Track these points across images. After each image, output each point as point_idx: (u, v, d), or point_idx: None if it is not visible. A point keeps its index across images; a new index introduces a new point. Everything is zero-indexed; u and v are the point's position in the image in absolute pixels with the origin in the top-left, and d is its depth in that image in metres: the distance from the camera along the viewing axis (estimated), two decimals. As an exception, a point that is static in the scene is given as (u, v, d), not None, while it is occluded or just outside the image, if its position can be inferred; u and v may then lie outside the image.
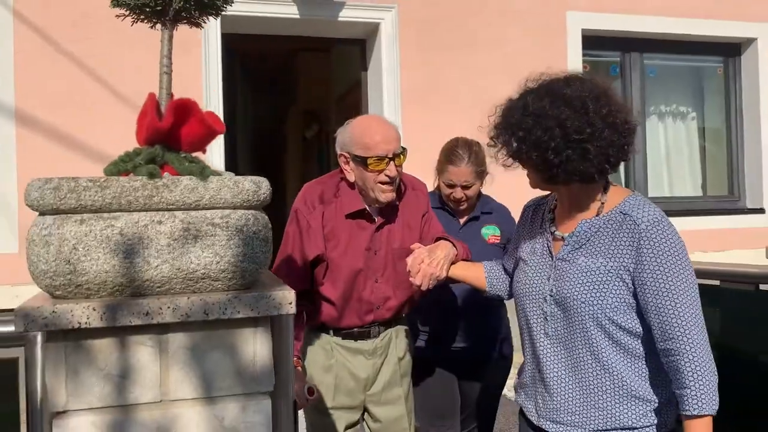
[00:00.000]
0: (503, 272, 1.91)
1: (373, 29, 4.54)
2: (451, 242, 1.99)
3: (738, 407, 2.08)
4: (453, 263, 1.92)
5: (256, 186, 1.13)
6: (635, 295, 1.46)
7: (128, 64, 3.98)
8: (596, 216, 1.53)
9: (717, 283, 2.01)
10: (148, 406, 1.10)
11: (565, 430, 1.54)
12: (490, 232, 2.41)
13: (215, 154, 4.08)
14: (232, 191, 1.11)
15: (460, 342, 2.38)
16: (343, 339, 2.12)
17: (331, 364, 2.12)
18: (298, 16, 4.32)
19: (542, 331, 1.59)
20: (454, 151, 2.35)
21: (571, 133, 1.46)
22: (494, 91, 4.51)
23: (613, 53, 5.10)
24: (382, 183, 1.99)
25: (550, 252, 1.59)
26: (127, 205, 1.07)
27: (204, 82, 4.20)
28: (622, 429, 1.48)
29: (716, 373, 1.40)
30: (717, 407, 1.38)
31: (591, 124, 1.46)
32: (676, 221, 5.23)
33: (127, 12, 1.22)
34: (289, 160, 7.94)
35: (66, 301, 1.06)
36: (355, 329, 2.12)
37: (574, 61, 4.73)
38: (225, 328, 1.12)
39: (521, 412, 1.70)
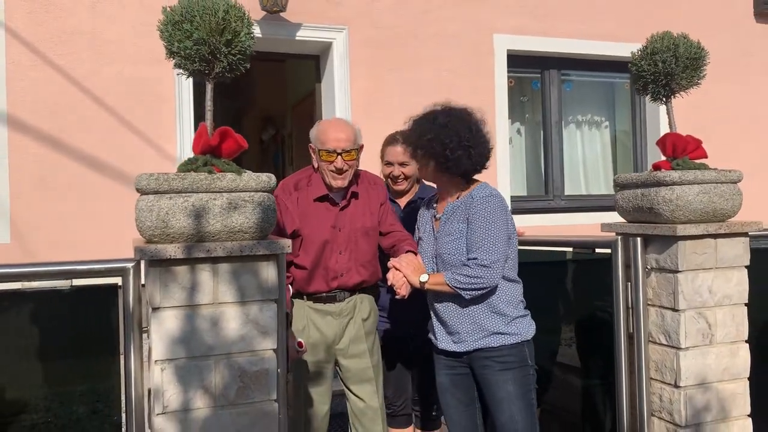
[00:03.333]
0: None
1: (326, 47, 5.44)
2: (413, 251, 2.59)
3: (580, 342, 3.10)
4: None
5: (269, 179, 2.04)
6: None
7: (109, 75, 4.75)
8: (457, 200, 2.49)
9: (570, 249, 3.05)
10: (206, 306, 1.98)
11: (458, 347, 2.46)
12: None
13: (186, 150, 4.83)
14: (255, 181, 2.01)
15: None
16: (314, 303, 2.68)
17: (305, 324, 2.66)
18: (260, 35, 5.17)
19: None
20: (394, 136, 3.09)
21: (463, 140, 2.43)
22: (430, 102, 5.71)
23: (534, 70, 6.16)
24: (332, 171, 2.61)
25: (433, 229, 2.56)
26: (196, 189, 1.95)
27: (176, 89, 4.98)
28: (490, 336, 2.41)
29: (474, 283, 2.32)
30: (452, 286, 2.34)
31: (474, 138, 2.44)
32: (591, 216, 6.43)
33: (185, 72, 2.09)
34: (246, 158, 8.79)
35: (161, 244, 1.94)
36: (324, 293, 2.67)
37: (500, 78, 5.77)
38: (251, 261, 2.01)
39: (431, 343, 2.60)
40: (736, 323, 2.70)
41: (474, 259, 2.34)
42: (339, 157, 2.61)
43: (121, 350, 2.08)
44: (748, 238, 2.71)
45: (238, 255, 1.98)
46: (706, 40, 7.04)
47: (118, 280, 2.08)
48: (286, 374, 2.18)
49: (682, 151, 2.70)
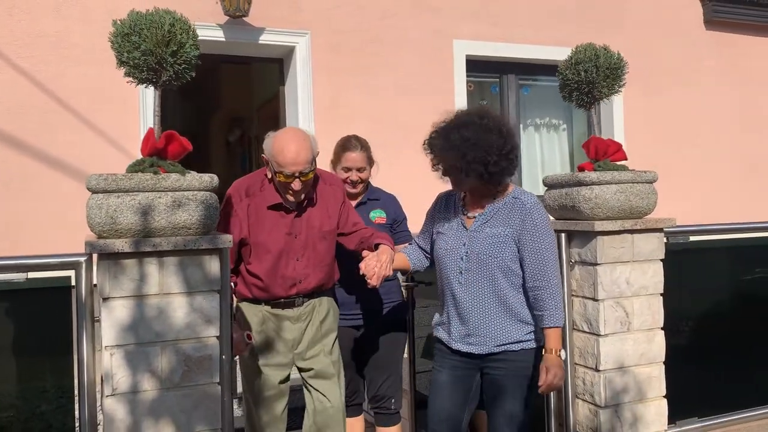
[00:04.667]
0: (419, 250, 2.68)
1: (290, 51, 5.63)
2: (388, 245, 2.55)
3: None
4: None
5: (211, 179, 2.23)
6: (519, 250, 2.38)
7: (74, 78, 4.89)
8: (496, 202, 2.44)
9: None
10: (154, 296, 2.17)
11: (476, 348, 2.43)
12: (377, 215, 3.21)
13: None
14: (198, 181, 2.20)
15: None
16: (272, 308, 2.65)
17: (263, 329, 2.64)
18: (224, 39, 5.35)
19: (457, 281, 2.42)
20: (349, 141, 3.19)
21: (503, 149, 2.37)
22: (391, 106, 6.05)
23: (492, 75, 6.42)
24: (289, 190, 2.55)
25: (464, 226, 2.47)
26: (142, 188, 2.14)
27: (141, 92, 5.11)
28: (512, 342, 2.39)
29: (562, 302, 2.39)
30: (562, 323, 2.38)
31: (510, 142, 2.42)
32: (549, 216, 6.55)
33: (134, 80, 2.28)
34: (213, 160, 8.94)
35: (110, 239, 2.12)
36: (282, 299, 2.63)
37: (459, 82, 6.01)
38: (196, 254, 2.21)
39: (439, 342, 2.54)
40: (652, 312, 2.95)
41: (540, 288, 2.37)
42: (297, 179, 2.53)
43: (74, 339, 2.26)
44: (662, 233, 2.96)
45: (183, 249, 2.17)
46: (658, 47, 7.43)
47: (72, 274, 2.26)
48: (231, 360, 2.38)
49: (603, 153, 2.95)
